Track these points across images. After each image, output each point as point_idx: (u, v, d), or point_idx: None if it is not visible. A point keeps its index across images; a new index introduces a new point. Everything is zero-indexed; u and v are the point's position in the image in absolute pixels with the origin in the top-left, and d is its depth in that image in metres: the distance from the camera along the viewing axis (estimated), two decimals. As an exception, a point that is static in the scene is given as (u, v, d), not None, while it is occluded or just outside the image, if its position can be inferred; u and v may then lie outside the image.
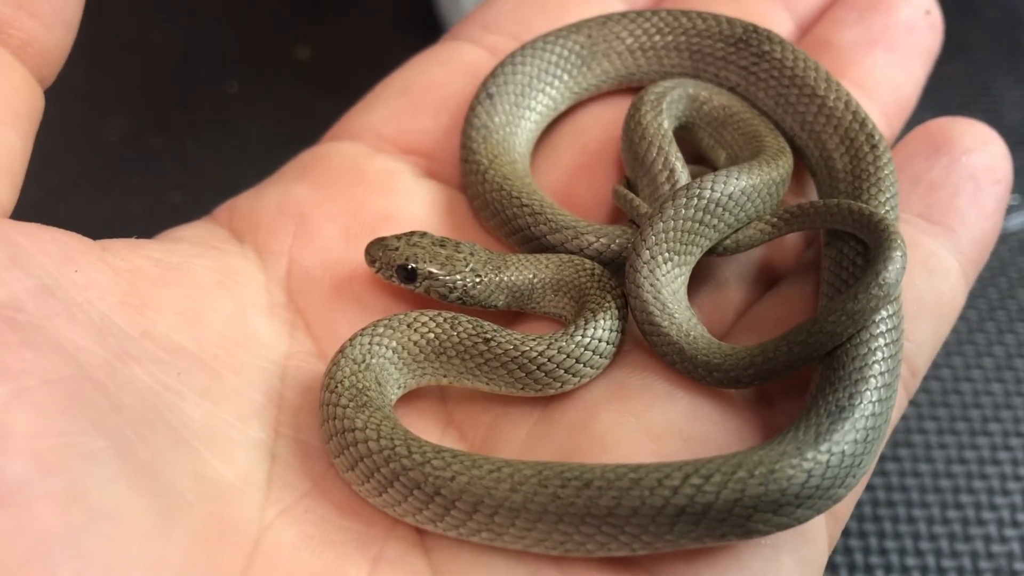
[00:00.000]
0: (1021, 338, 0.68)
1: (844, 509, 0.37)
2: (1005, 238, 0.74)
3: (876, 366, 0.35)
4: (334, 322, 0.39)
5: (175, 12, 0.92)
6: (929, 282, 0.40)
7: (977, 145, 0.43)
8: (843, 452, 0.32)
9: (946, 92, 0.85)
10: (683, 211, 0.38)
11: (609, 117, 0.48)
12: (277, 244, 0.41)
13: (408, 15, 0.87)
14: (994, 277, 0.72)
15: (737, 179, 0.39)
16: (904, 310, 0.38)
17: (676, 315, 0.37)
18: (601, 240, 0.41)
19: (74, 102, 0.86)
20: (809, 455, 0.32)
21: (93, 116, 0.83)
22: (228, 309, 0.37)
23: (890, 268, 0.35)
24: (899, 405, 0.39)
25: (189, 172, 0.78)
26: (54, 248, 0.34)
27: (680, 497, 0.30)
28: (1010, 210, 0.75)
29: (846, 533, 0.58)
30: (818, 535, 0.35)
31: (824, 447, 0.32)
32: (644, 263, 0.38)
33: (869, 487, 0.59)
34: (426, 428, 0.38)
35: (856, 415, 0.34)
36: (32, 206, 0.88)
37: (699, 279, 0.42)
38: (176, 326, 0.35)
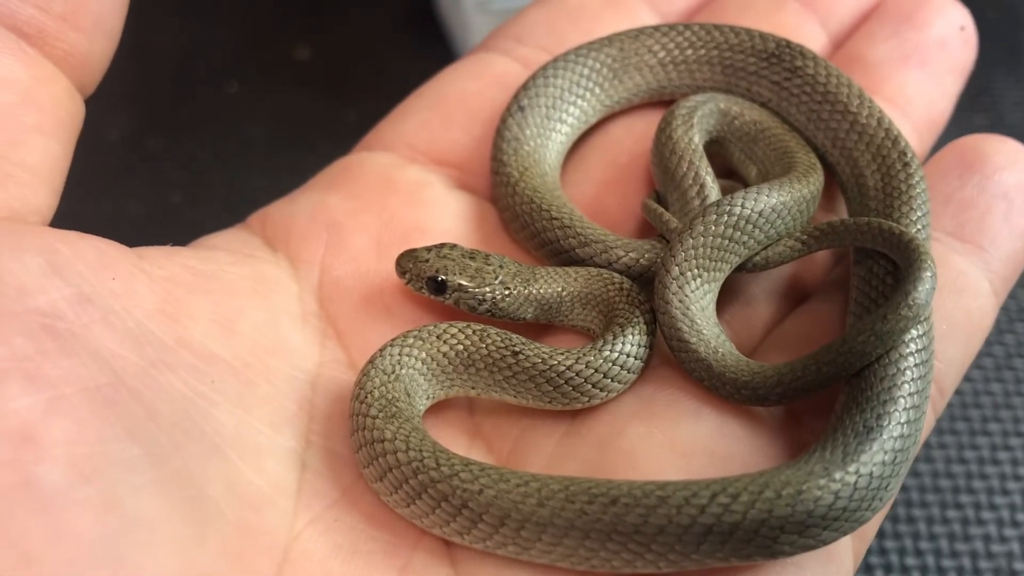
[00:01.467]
0: (1021, 338, 0.68)
1: (871, 529, 0.37)
2: (1005, 238, 0.74)
3: (905, 387, 0.35)
4: (365, 332, 0.40)
5: (175, 12, 0.92)
6: (959, 301, 0.40)
7: (1009, 163, 0.42)
8: (871, 474, 0.32)
9: (946, 92, 0.85)
10: (713, 227, 0.38)
11: (640, 130, 0.48)
12: (309, 253, 0.41)
13: (408, 15, 0.87)
14: (994, 277, 0.72)
15: (768, 196, 0.39)
16: (934, 330, 0.38)
17: (704, 332, 0.37)
18: (630, 254, 0.41)
19: (74, 102, 0.86)
20: (837, 476, 0.31)
21: (93, 116, 0.83)
22: (261, 317, 0.38)
23: (920, 289, 0.35)
24: (929, 426, 0.39)
25: (189, 172, 0.78)
26: (92, 256, 0.34)
27: (707, 516, 0.30)
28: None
29: (846, 533, 0.58)
30: (844, 556, 0.35)
31: (852, 468, 0.32)
32: (673, 279, 0.38)
33: (869, 487, 0.60)
34: (454, 440, 0.38)
35: (884, 436, 0.33)
36: (32, 206, 0.86)
37: (728, 295, 0.42)
38: (210, 333, 0.36)
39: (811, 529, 0.31)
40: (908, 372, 0.35)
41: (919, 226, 0.40)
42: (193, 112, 0.83)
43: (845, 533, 0.32)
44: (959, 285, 0.40)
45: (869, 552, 0.57)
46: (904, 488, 0.60)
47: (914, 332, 0.36)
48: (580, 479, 0.32)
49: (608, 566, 0.32)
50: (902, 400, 0.34)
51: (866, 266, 0.39)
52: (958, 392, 0.64)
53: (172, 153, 0.80)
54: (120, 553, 0.28)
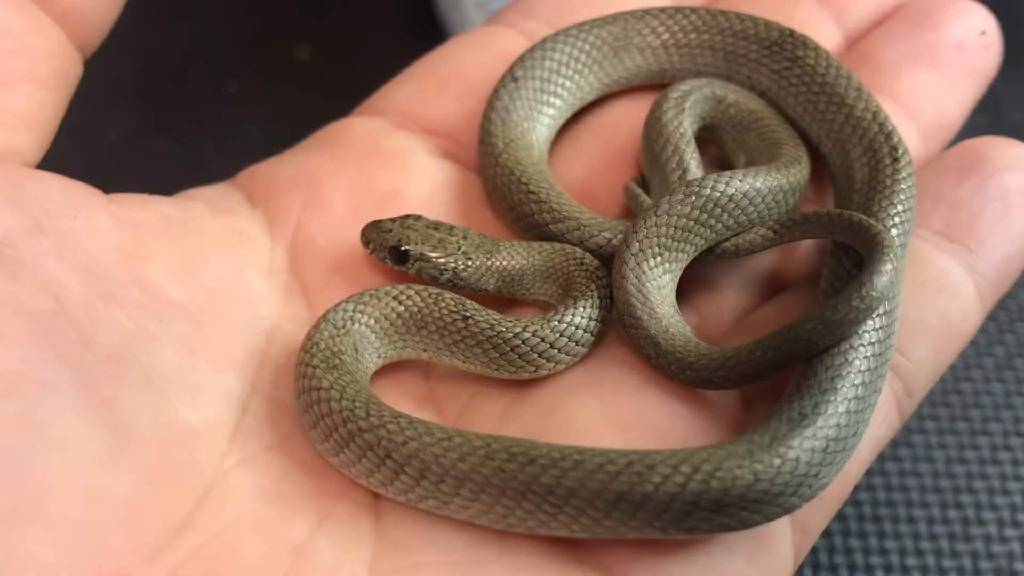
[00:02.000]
0: (1021, 338, 0.68)
1: (815, 526, 0.37)
2: (1005, 238, 0.74)
3: (850, 378, 0.34)
4: (331, 292, 0.40)
5: (175, 12, 0.92)
6: (935, 301, 0.39)
7: (1011, 165, 0.41)
8: (797, 460, 0.31)
9: (946, 92, 0.85)
10: (679, 207, 0.38)
11: (638, 114, 0.47)
12: (286, 210, 0.42)
13: (408, 15, 0.87)
14: (994, 277, 0.72)
15: (740, 181, 0.39)
16: (902, 327, 0.37)
17: (657, 310, 0.37)
18: (603, 234, 0.41)
19: (74, 102, 0.86)
20: (759, 458, 0.31)
21: (93, 116, 0.83)
22: (226, 265, 0.38)
23: (875, 281, 0.34)
24: (891, 425, 0.38)
25: (189, 172, 0.78)
26: (58, 194, 0.35)
27: (619, 484, 0.30)
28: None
29: (846, 533, 0.58)
30: (779, 544, 0.35)
31: (778, 451, 0.31)
32: (632, 255, 0.38)
33: (869, 487, 0.59)
34: (403, 401, 0.38)
35: (818, 424, 0.33)
36: (32, 206, 0.86)
37: (701, 282, 0.42)
38: (169, 276, 0.36)
39: (728, 508, 0.30)
40: (856, 364, 0.34)
41: (897, 221, 0.38)
42: (193, 112, 0.83)
43: (769, 518, 0.32)
44: (939, 284, 0.39)
45: (870, 552, 0.57)
46: (904, 488, 0.60)
47: (869, 325, 0.35)
48: (504, 437, 0.32)
49: (523, 525, 0.32)
50: (844, 391, 0.34)
51: (837, 258, 0.39)
52: (958, 392, 0.64)
53: (172, 153, 0.80)
54: (29, 468, 0.29)
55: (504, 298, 0.42)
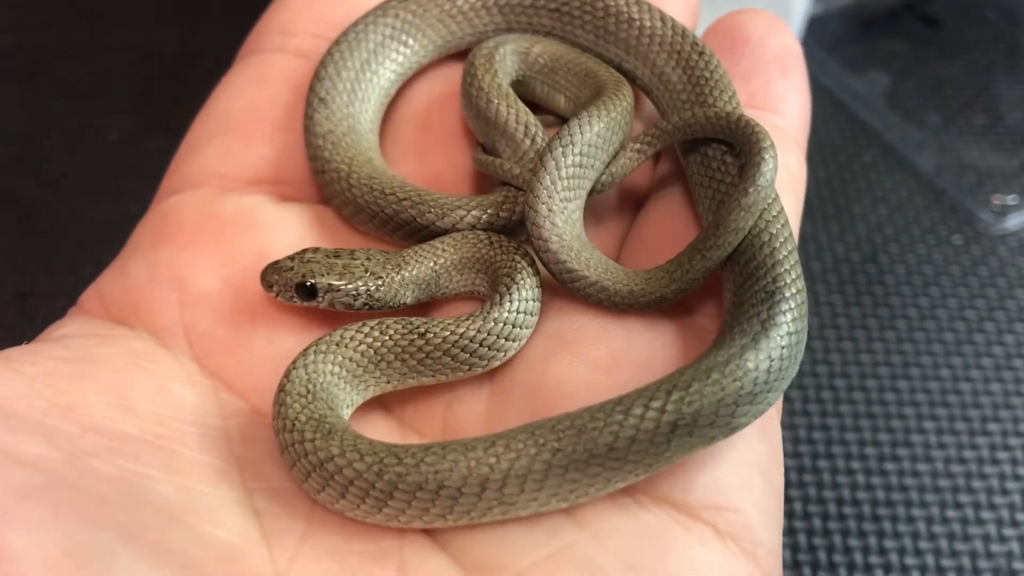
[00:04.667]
0: (1020, 338, 0.68)
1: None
2: (1004, 238, 0.74)
3: (783, 247, 0.37)
4: (253, 372, 0.38)
5: (175, 12, 0.92)
6: (779, 163, 0.41)
7: (769, 31, 0.46)
8: (789, 332, 0.35)
9: (946, 92, 0.85)
10: (563, 159, 0.40)
11: (439, 90, 0.48)
12: (165, 317, 0.39)
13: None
14: (993, 277, 0.72)
15: (600, 118, 0.40)
16: None
17: (587, 257, 0.39)
18: (489, 211, 0.41)
19: (74, 102, 0.86)
20: (763, 344, 0.34)
21: (93, 116, 0.83)
22: (150, 389, 0.37)
23: (767, 159, 0.38)
24: None
25: (189, 172, 0.78)
26: None
27: (670, 414, 0.32)
28: (1009, 210, 0.75)
29: (845, 533, 0.58)
30: (774, 421, 0.37)
31: (774, 332, 0.34)
32: (544, 217, 0.39)
33: (868, 487, 0.60)
34: (383, 438, 0.37)
35: (787, 294, 0.36)
36: (32, 205, 0.88)
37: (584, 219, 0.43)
38: (110, 415, 0.35)
39: (759, 395, 0.33)
40: (780, 233, 0.38)
41: (733, 104, 0.42)
42: (193, 112, 0.83)
43: (782, 391, 0.35)
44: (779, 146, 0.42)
45: (870, 552, 0.57)
46: (904, 488, 0.60)
47: (769, 197, 0.39)
48: (540, 421, 0.33)
49: (591, 492, 0.33)
50: (785, 259, 0.37)
51: (700, 153, 0.41)
52: (957, 392, 0.64)
53: (172, 153, 0.79)
54: None
55: (420, 304, 0.41)
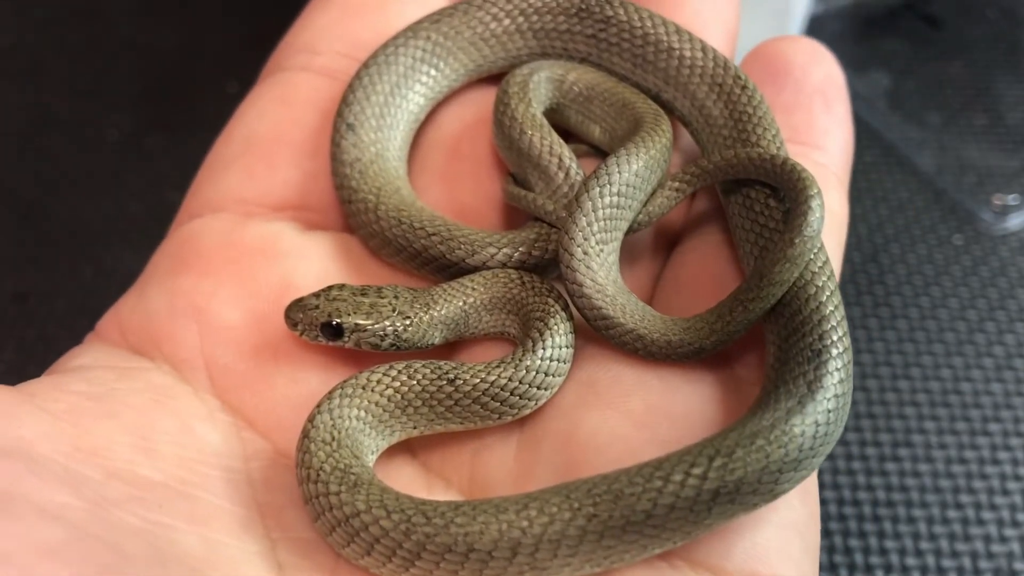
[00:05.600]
0: (1021, 338, 0.68)
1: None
2: (1005, 238, 0.74)
3: (830, 302, 0.36)
4: (276, 410, 0.37)
5: (175, 12, 0.92)
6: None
7: (812, 60, 0.44)
8: (836, 395, 0.34)
9: (946, 92, 0.85)
10: (600, 200, 0.38)
11: (471, 116, 0.46)
12: (186, 350, 0.38)
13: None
14: (994, 277, 0.72)
15: (638, 156, 0.39)
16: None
17: (623, 303, 0.38)
18: (520, 249, 0.40)
19: (74, 101, 0.86)
20: (810, 408, 0.33)
21: (93, 116, 0.83)
22: (173, 428, 0.35)
23: (815, 208, 0.36)
24: None
25: (189, 172, 0.78)
26: None
27: (711, 481, 0.31)
28: (1009, 210, 0.75)
29: (846, 533, 0.58)
30: (812, 485, 0.36)
31: (820, 396, 0.33)
32: (579, 260, 0.38)
33: (869, 487, 0.59)
34: (409, 485, 0.37)
35: (833, 353, 0.35)
36: (32, 205, 0.88)
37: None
38: (133, 459, 0.34)
39: (804, 462, 0.32)
40: (826, 288, 0.36)
41: (777, 143, 0.40)
42: (193, 112, 0.83)
43: (826, 455, 0.34)
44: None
45: (870, 552, 0.57)
46: (904, 488, 0.60)
47: (816, 247, 0.37)
48: (575, 483, 0.32)
49: (626, 559, 0.32)
50: (832, 315, 0.36)
51: (742, 194, 0.40)
52: (958, 392, 0.64)
53: (172, 153, 0.80)
54: None
55: (447, 343, 0.40)
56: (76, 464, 0.32)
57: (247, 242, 0.41)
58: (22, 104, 0.85)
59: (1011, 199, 0.76)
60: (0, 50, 0.90)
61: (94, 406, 0.35)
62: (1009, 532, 0.57)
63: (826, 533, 0.57)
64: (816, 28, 0.86)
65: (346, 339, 0.38)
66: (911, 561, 0.56)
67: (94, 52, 0.89)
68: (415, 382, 0.36)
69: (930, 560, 0.56)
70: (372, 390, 0.36)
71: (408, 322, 0.38)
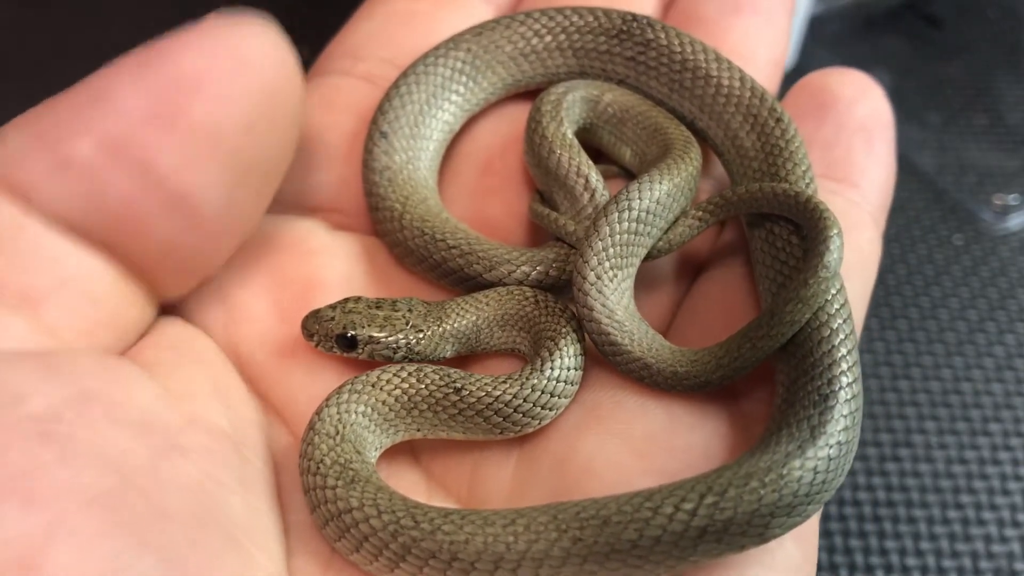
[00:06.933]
0: (1021, 338, 0.68)
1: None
2: (1005, 238, 0.74)
3: (843, 346, 0.35)
4: (294, 400, 0.38)
5: (175, 12, 0.91)
6: (850, 241, 0.39)
7: (859, 95, 0.43)
8: (839, 442, 0.33)
9: (946, 92, 0.85)
10: (618, 225, 0.38)
11: (505, 129, 0.46)
12: (214, 335, 0.39)
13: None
14: (994, 277, 0.72)
15: (661, 183, 0.39)
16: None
17: (633, 331, 0.37)
18: (538, 268, 0.40)
19: (74, 102, 0.86)
20: (810, 453, 0.32)
21: (93, 116, 0.83)
22: (237, 384, 0.37)
23: (832, 249, 0.36)
24: None
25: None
26: (86, 354, 0.33)
27: (700, 518, 0.30)
28: (1010, 210, 0.75)
29: (846, 533, 0.58)
30: (812, 531, 0.35)
31: (822, 441, 0.33)
32: (592, 284, 0.38)
33: (869, 487, 0.59)
34: (410, 489, 0.37)
35: (840, 400, 0.34)
36: (32, 206, 0.86)
37: (636, 284, 0.41)
38: (213, 407, 0.35)
39: (797, 508, 0.32)
40: (840, 331, 0.35)
41: (806, 180, 0.40)
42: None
43: (823, 503, 0.33)
44: (845, 224, 0.39)
45: (870, 552, 0.57)
46: (904, 488, 0.60)
47: (832, 289, 0.36)
48: (565, 505, 0.32)
49: None
50: (844, 360, 0.35)
51: (765, 228, 0.39)
52: (958, 392, 0.64)
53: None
54: None
55: (460, 356, 0.40)
56: (160, 407, 0.33)
57: (280, 238, 0.41)
58: (22, 104, 0.85)
59: (1011, 199, 0.76)
60: (0, 50, 0.90)
61: (176, 357, 0.36)
62: (1009, 532, 0.57)
63: (826, 533, 0.57)
64: (816, 28, 0.86)
65: (360, 350, 0.38)
66: (911, 561, 0.56)
67: (94, 52, 0.89)
68: (423, 386, 0.36)
69: (930, 560, 0.56)
70: (381, 388, 0.36)
71: (421, 335, 0.38)
